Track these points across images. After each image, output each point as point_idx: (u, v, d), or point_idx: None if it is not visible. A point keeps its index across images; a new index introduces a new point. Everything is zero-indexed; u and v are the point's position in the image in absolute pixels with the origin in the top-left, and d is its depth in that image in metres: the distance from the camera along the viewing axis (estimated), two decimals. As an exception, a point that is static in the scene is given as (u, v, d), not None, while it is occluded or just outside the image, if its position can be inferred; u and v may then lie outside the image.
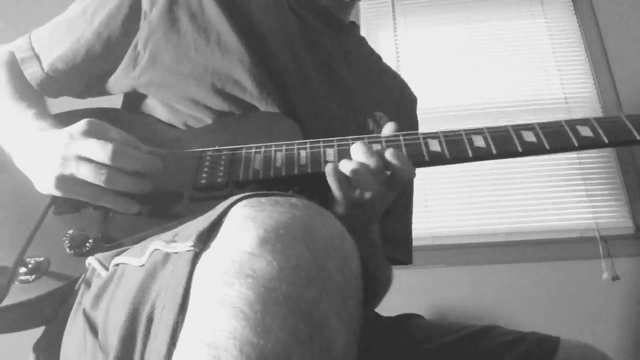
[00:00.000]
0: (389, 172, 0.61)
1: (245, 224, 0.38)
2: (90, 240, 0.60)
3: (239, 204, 0.42)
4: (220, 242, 0.39)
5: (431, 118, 2.06)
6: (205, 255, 0.39)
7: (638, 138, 0.60)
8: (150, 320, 0.41)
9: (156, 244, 0.46)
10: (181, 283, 0.39)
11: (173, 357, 0.35)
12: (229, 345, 0.32)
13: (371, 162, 0.59)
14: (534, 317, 1.78)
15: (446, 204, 1.96)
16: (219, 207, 0.43)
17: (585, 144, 0.61)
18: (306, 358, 0.33)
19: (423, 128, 0.76)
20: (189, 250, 0.40)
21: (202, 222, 0.43)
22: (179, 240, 0.43)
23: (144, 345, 0.41)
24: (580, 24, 2.20)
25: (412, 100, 0.97)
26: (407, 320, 0.83)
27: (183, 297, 0.38)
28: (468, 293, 1.84)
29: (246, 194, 0.43)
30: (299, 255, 0.36)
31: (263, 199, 0.41)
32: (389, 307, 0.84)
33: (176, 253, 0.42)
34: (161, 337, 0.38)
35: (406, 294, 1.72)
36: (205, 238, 0.41)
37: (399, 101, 0.92)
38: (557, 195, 1.96)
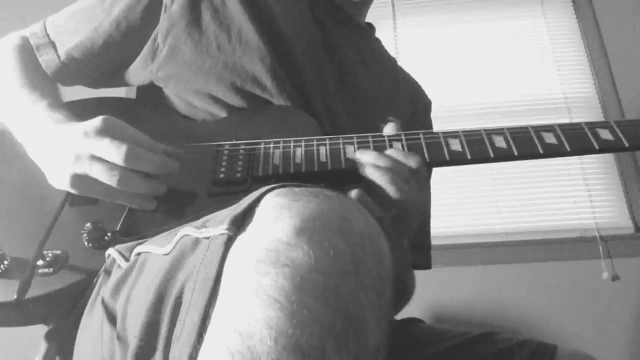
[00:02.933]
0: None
1: (280, 213, 0.37)
2: (108, 234, 0.59)
3: (272, 192, 0.41)
4: (254, 229, 0.38)
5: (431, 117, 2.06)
6: (239, 241, 0.38)
7: None
8: (178, 304, 0.40)
9: (185, 230, 0.45)
10: (214, 265, 0.38)
11: (203, 343, 0.35)
12: (263, 335, 0.31)
13: (388, 164, 0.59)
14: (533, 317, 1.78)
15: (446, 204, 1.97)
16: (251, 195, 0.42)
17: (606, 147, 0.61)
18: (341, 352, 0.32)
19: (423, 127, 0.75)
20: (222, 234, 0.39)
21: (234, 208, 0.42)
22: (210, 226, 0.42)
23: (170, 330, 0.40)
24: (580, 24, 2.20)
25: (426, 104, 0.98)
26: (407, 325, 0.83)
27: (215, 281, 0.37)
28: (467, 293, 1.83)
29: (278, 184, 0.42)
30: (335, 248, 0.35)
31: (296, 189, 0.41)
32: (388, 306, 0.84)
33: (207, 238, 0.41)
34: (191, 320, 0.37)
35: (406, 294, 1.72)
36: (239, 223, 0.40)
37: (413, 105, 0.92)
38: (557, 195, 1.95)
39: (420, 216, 0.62)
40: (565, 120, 2.05)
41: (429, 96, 1.01)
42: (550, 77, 2.13)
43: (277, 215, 0.37)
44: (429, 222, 0.91)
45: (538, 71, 2.15)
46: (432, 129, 0.97)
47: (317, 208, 0.37)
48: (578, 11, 2.22)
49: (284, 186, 0.42)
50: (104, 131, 0.58)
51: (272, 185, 0.42)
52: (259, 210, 0.40)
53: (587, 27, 2.18)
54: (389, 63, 0.95)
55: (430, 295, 1.83)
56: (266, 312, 0.32)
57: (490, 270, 1.85)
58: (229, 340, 0.32)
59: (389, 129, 0.66)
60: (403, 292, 0.77)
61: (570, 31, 2.21)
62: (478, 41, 2.23)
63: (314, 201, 0.38)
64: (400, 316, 0.85)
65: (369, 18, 0.96)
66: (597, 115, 2.05)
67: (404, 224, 0.60)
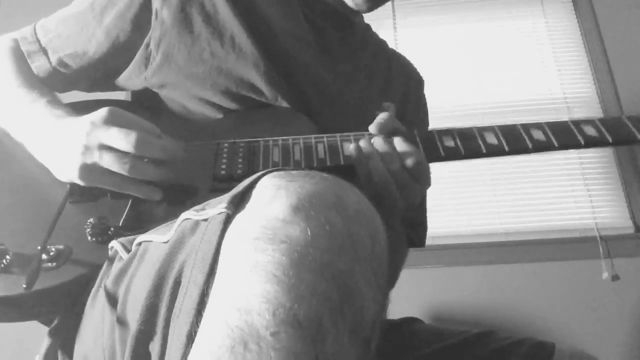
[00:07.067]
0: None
1: (277, 193, 0.38)
2: (111, 228, 0.60)
3: (269, 175, 0.42)
4: (251, 208, 0.39)
5: (431, 118, 2.05)
6: (237, 220, 0.39)
7: (639, 137, 0.64)
8: (177, 284, 0.41)
9: (186, 214, 0.46)
10: (212, 243, 0.38)
11: (202, 320, 0.35)
12: (261, 309, 0.32)
13: (383, 149, 0.62)
14: (533, 317, 1.78)
15: (446, 204, 1.97)
16: (249, 178, 0.43)
17: (591, 142, 0.64)
18: (338, 324, 0.32)
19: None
20: (221, 213, 0.40)
21: (233, 190, 0.43)
22: (209, 208, 0.43)
23: (169, 310, 0.40)
24: (580, 24, 2.20)
25: (418, 81, 0.99)
26: (405, 325, 0.83)
27: (213, 258, 0.38)
28: (467, 293, 1.84)
29: (275, 168, 0.44)
30: (332, 224, 0.36)
31: (293, 172, 0.42)
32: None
33: (206, 220, 0.42)
34: (190, 297, 0.38)
35: (405, 294, 1.72)
36: (238, 202, 0.41)
37: (405, 84, 0.94)
38: (557, 195, 1.95)
39: (418, 200, 0.66)
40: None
41: (427, 95, 1.02)
42: (550, 77, 2.13)
43: (274, 195, 0.38)
44: (424, 203, 0.93)
45: (538, 71, 2.15)
46: (425, 105, 1.00)
47: (313, 187, 0.38)
48: (578, 11, 2.22)
49: (281, 169, 0.43)
50: (110, 120, 0.59)
51: (270, 169, 0.43)
52: (256, 191, 0.41)
53: (587, 27, 2.18)
54: (380, 47, 0.95)
55: (430, 295, 1.83)
56: (264, 287, 0.33)
57: (490, 270, 1.85)
58: (227, 316, 0.33)
59: (384, 115, 0.68)
60: (394, 269, 0.78)
61: (570, 31, 2.21)
62: (478, 41, 2.23)
63: (309, 182, 0.39)
64: (398, 316, 0.85)
65: (369, 18, 0.96)
66: (597, 115, 2.05)
67: (386, 207, 0.63)
